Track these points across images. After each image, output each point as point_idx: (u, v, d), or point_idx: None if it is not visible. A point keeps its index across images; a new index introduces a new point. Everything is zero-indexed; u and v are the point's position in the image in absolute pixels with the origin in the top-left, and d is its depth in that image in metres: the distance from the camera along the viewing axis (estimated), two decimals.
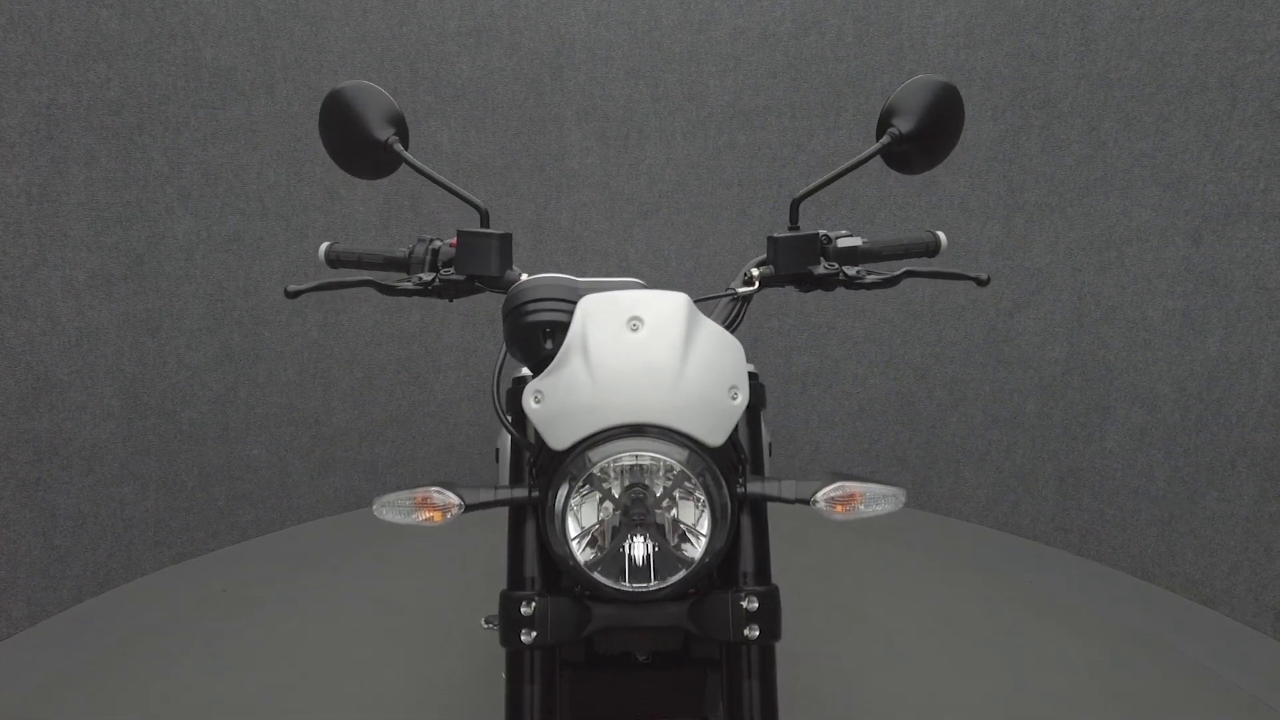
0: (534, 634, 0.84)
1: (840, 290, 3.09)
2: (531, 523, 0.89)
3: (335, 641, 2.21)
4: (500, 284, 0.99)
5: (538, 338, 0.83)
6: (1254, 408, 2.26)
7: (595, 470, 0.78)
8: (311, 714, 1.91)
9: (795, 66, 3.00)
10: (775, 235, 1.03)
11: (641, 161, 3.17)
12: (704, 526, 0.80)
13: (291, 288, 0.99)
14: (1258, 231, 2.22)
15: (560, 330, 0.83)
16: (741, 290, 1.05)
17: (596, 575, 0.80)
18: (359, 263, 1.09)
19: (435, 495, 0.84)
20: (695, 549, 0.80)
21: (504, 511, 2.82)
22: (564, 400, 0.80)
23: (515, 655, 0.86)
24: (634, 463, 0.78)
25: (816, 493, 0.84)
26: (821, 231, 1.07)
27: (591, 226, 3.25)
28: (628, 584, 0.80)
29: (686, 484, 0.79)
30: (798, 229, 1.04)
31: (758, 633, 0.84)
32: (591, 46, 3.07)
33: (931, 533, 2.91)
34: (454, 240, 1.03)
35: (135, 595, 2.48)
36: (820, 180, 1.02)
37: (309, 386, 2.94)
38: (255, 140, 2.71)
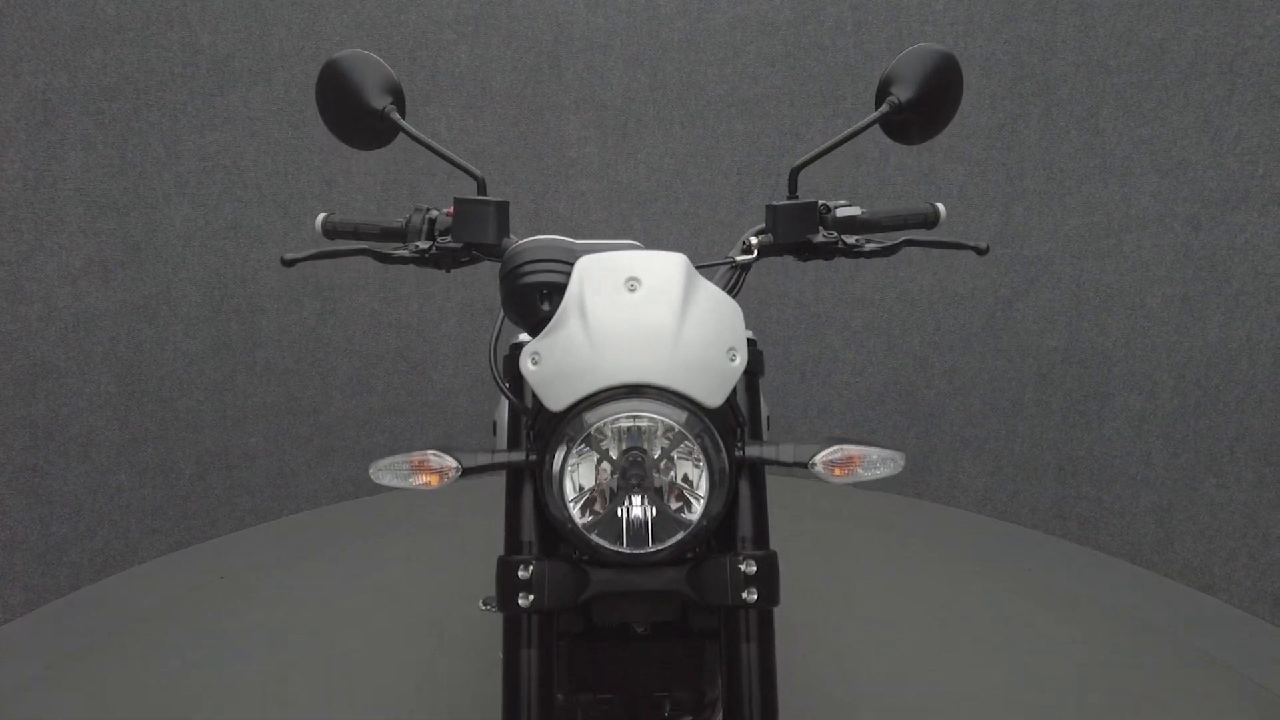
0: (531, 598, 0.83)
1: (839, 279, 3.09)
2: (529, 487, 0.88)
3: (334, 627, 2.21)
4: (498, 252, 0.98)
5: (534, 299, 0.83)
6: (1253, 394, 2.26)
7: (593, 431, 0.77)
8: (310, 699, 1.91)
9: (794, 55, 3.00)
10: (774, 203, 1.03)
11: (640, 150, 3.16)
12: (702, 489, 0.79)
13: (288, 256, 0.99)
14: (1256, 217, 2.22)
15: (557, 292, 0.83)
16: (740, 258, 1.05)
17: (594, 537, 0.79)
18: (355, 233, 1.09)
19: (432, 458, 0.83)
20: (693, 512, 0.80)
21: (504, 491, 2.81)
22: (561, 361, 0.80)
23: (512, 620, 0.85)
24: (632, 424, 0.78)
25: (815, 456, 0.83)
26: (820, 201, 1.07)
27: (590, 215, 3.24)
28: (625, 547, 0.80)
29: (685, 445, 0.79)
30: (797, 198, 1.04)
31: (756, 597, 0.84)
32: (590, 35, 3.06)
33: (930, 522, 2.91)
34: (451, 210, 1.03)
35: (133, 582, 2.47)
36: (819, 149, 1.01)
37: (307, 375, 2.93)
38: (253, 128, 2.70)
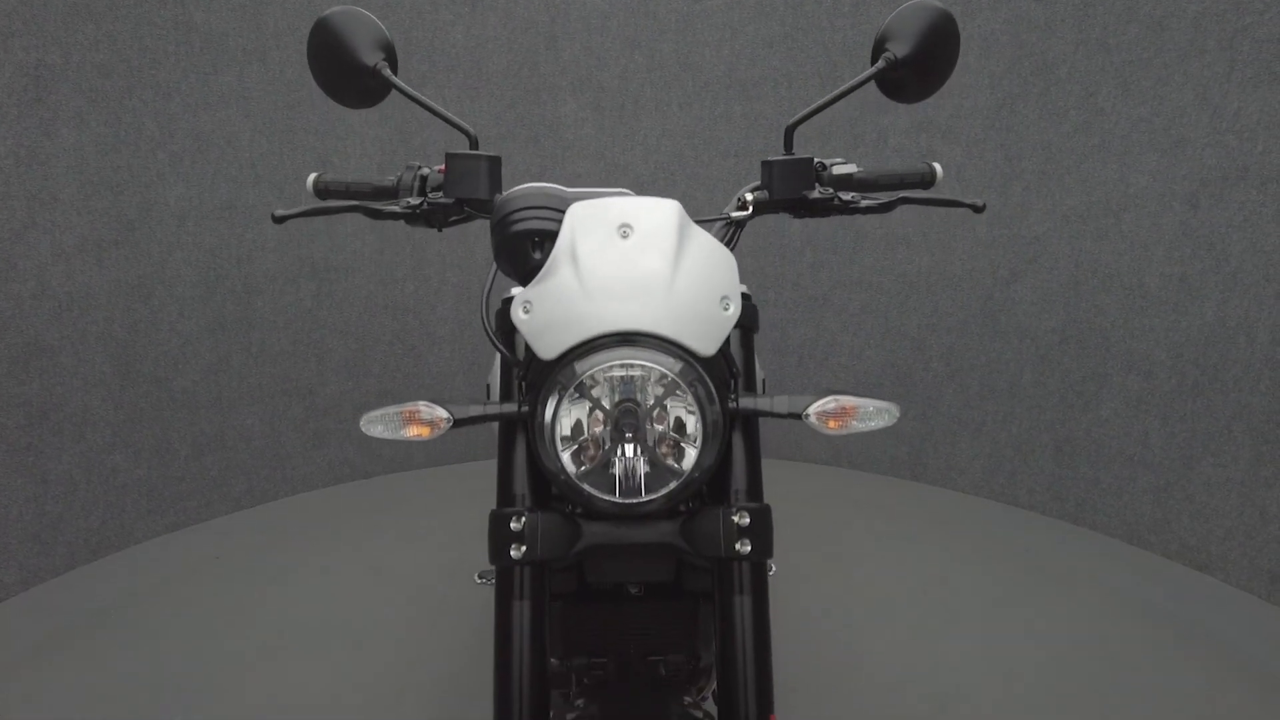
0: (524, 549, 0.83)
1: (837, 262, 3.08)
2: (521, 440, 0.87)
3: (329, 604, 2.21)
4: (490, 209, 0.97)
5: (526, 248, 0.82)
6: (1250, 372, 2.25)
7: (585, 379, 0.77)
8: (306, 673, 1.90)
9: (792, 36, 2.98)
10: (769, 159, 1.01)
11: (637, 132, 3.15)
12: (695, 439, 0.78)
13: (279, 212, 0.98)
14: (1255, 194, 2.21)
15: (549, 240, 0.82)
16: (735, 215, 1.03)
17: (586, 486, 0.79)
18: (347, 192, 1.08)
19: (423, 409, 0.82)
20: (686, 463, 0.79)
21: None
22: (553, 310, 0.79)
23: (504, 573, 0.84)
24: (624, 373, 0.77)
25: (809, 407, 0.82)
26: (816, 158, 1.06)
27: None
28: (618, 497, 0.79)
29: (677, 394, 0.78)
30: (793, 154, 1.03)
31: (749, 548, 0.83)
32: (586, 16, 3.05)
33: (927, 504, 2.91)
34: (443, 167, 1.02)
35: (128, 562, 2.47)
36: (814, 105, 1.00)
37: (302, 357, 2.92)
38: (247, 107, 2.68)
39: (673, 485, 0.79)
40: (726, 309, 0.81)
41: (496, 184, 0.98)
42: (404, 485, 3.07)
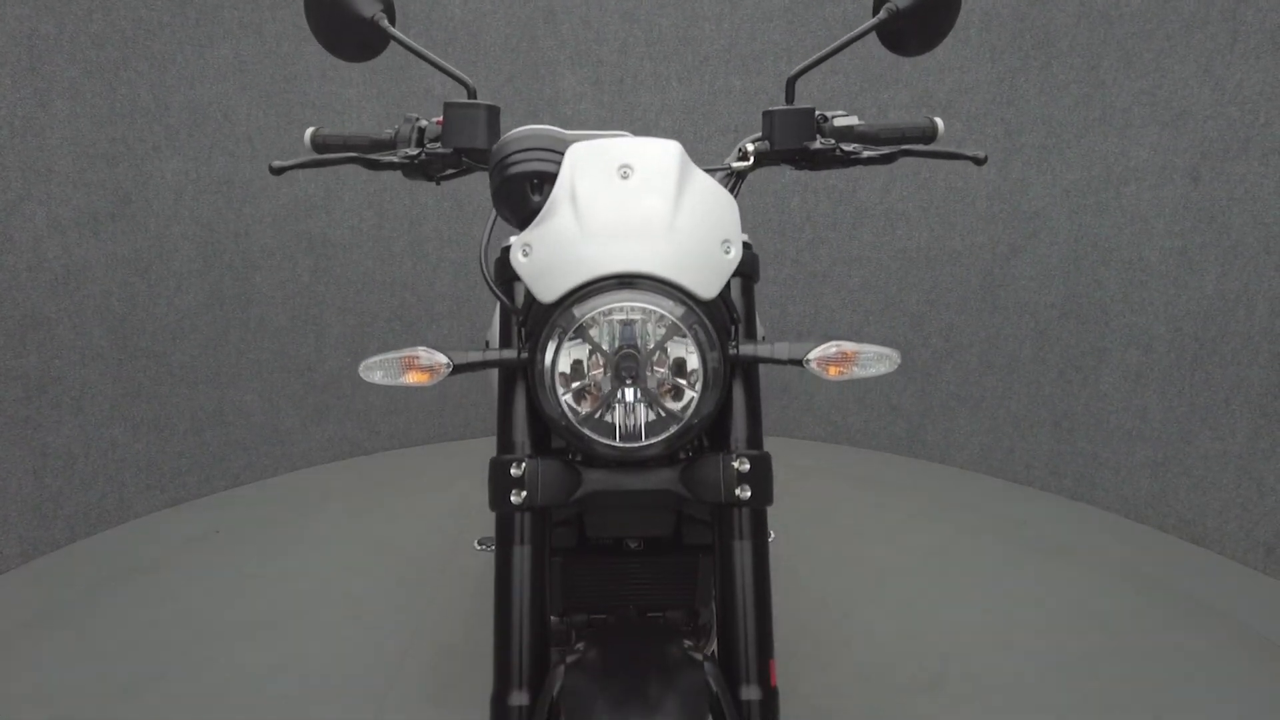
0: (523, 494, 0.83)
1: (836, 238, 3.07)
2: (521, 387, 0.87)
3: (330, 574, 2.21)
4: (488, 160, 0.97)
5: (525, 190, 0.81)
6: (1249, 345, 2.25)
7: (584, 322, 0.76)
8: (307, 641, 1.91)
9: (792, 10, 2.96)
10: (770, 109, 1.01)
11: (636, 107, 3.13)
12: (695, 384, 0.78)
13: (276, 164, 0.97)
14: (1257, 166, 2.20)
15: (548, 182, 0.81)
16: (736, 165, 1.03)
17: (586, 431, 0.79)
18: (345, 145, 1.07)
19: (422, 355, 0.82)
20: (685, 407, 0.79)
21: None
22: (552, 251, 0.78)
23: (504, 519, 0.84)
24: (624, 317, 0.77)
25: (809, 353, 0.82)
26: (818, 111, 1.05)
27: None
28: (618, 442, 0.79)
29: (678, 338, 0.77)
30: (794, 105, 1.02)
31: (749, 494, 0.83)
32: None
33: (925, 480, 2.92)
34: (440, 119, 1.01)
35: (129, 535, 2.47)
36: (815, 56, 0.99)
37: (301, 333, 2.92)
38: (243, 81, 2.66)
39: (673, 430, 0.79)
40: (728, 252, 0.80)
41: (495, 134, 0.98)
42: (404, 461, 3.08)
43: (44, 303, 2.29)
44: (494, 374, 1.09)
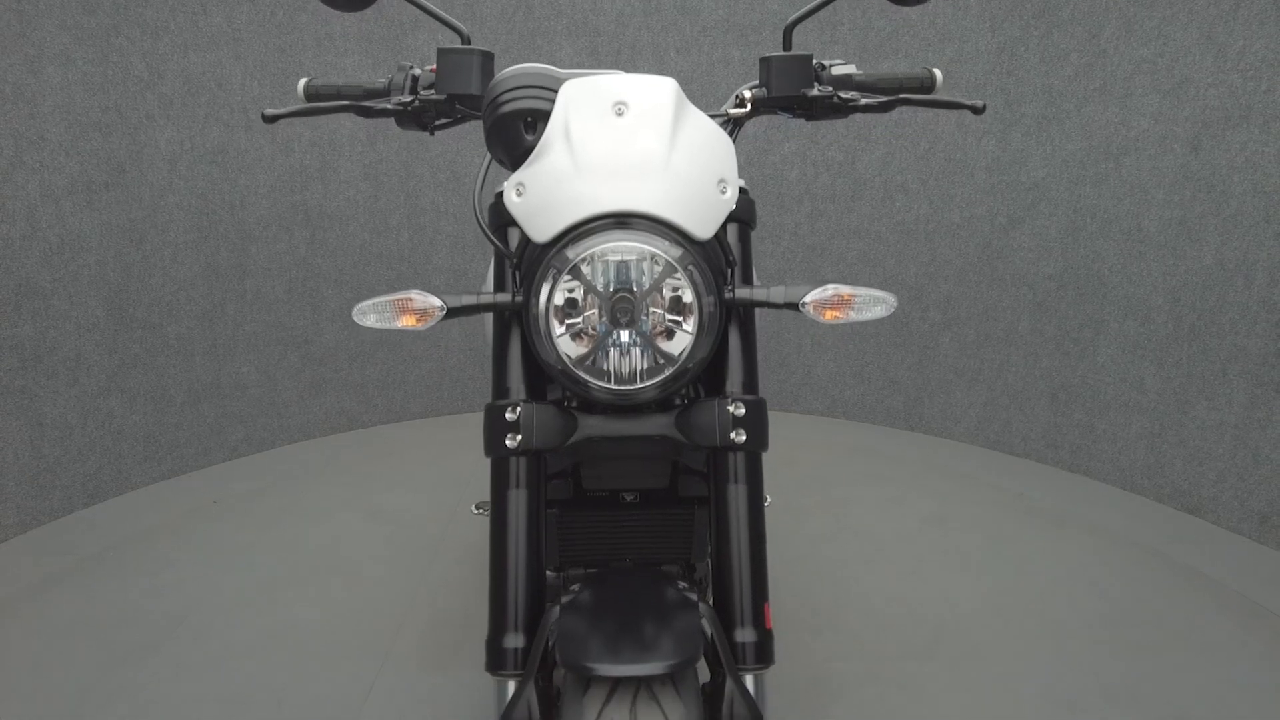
0: (519, 438, 0.82)
1: (835, 211, 3.06)
2: (516, 333, 0.87)
3: (328, 544, 2.22)
4: (481, 106, 0.96)
5: (518, 129, 0.80)
6: (1247, 314, 2.25)
7: (579, 263, 0.75)
8: (305, 609, 1.92)
9: None
10: (768, 55, 1.00)
11: None
12: (690, 326, 0.78)
13: (269, 112, 0.96)
14: (1258, 134, 2.19)
15: (542, 120, 0.80)
16: (733, 111, 1.02)
17: (581, 373, 0.78)
18: (338, 95, 1.06)
19: (416, 298, 0.82)
20: (681, 349, 0.78)
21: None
22: (546, 190, 0.77)
23: (500, 464, 0.84)
24: (619, 258, 0.76)
25: (805, 296, 0.82)
26: (816, 59, 1.04)
27: None
28: (613, 385, 0.78)
29: (673, 279, 0.77)
30: (791, 52, 1.01)
31: (744, 438, 0.83)
32: None
33: (922, 452, 2.92)
34: (434, 67, 1.00)
35: (127, 506, 2.47)
36: (814, 3, 0.98)
37: (297, 305, 2.91)
38: (238, 50, 2.64)
39: (668, 373, 0.79)
40: (724, 192, 0.80)
41: (489, 80, 0.97)
42: (401, 435, 3.08)
43: (38, 272, 2.28)
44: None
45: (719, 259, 0.85)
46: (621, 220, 0.76)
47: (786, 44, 1.02)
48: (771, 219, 3.17)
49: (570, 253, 0.76)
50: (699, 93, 3.08)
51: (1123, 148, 2.47)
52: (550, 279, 0.77)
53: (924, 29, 2.81)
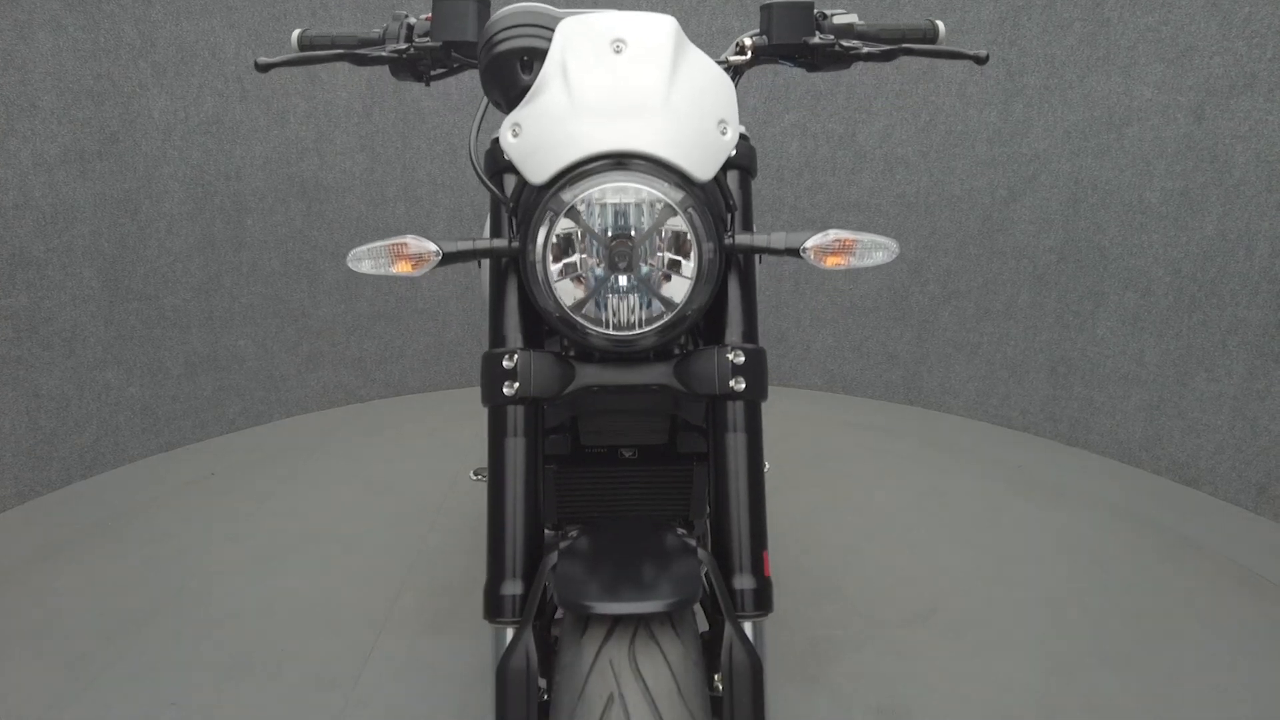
0: (516, 385, 0.82)
1: (835, 183, 3.03)
2: (513, 280, 0.86)
3: (327, 515, 2.22)
4: (477, 54, 0.94)
5: (514, 69, 0.79)
6: (1248, 285, 2.24)
7: (577, 205, 0.74)
8: (305, 577, 1.92)
9: None
10: (769, 2, 0.98)
11: None
12: (690, 270, 0.76)
13: (262, 60, 0.95)
14: (1262, 103, 2.17)
15: (538, 59, 0.79)
16: (733, 59, 1.00)
17: (579, 319, 0.77)
18: (332, 44, 1.04)
19: (411, 243, 0.80)
20: (680, 294, 0.77)
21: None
22: (542, 130, 0.76)
23: (497, 412, 0.84)
24: (618, 200, 0.75)
25: (806, 242, 0.81)
26: (818, 8, 1.02)
27: None
28: (612, 330, 0.78)
29: (673, 222, 0.75)
30: None
31: (744, 386, 0.82)
32: None
33: (920, 426, 2.92)
34: (429, 15, 0.98)
35: (124, 478, 2.47)
36: None
37: (294, 278, 2.89)
38: (232, 18, 2.60)
39: (666, 318, 0.78)
40: (724, 133, 0.78)
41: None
42: (399, 409, 3.07)
43: (32, 241, 2.26)
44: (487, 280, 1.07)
45: (719, 204, 0.84)
46: (620, 161, 0.75)
47: None
48: (771, 192, 3.15)
49: (567, 194, 0.74)
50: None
51: (1125, 118, 2.45)
52: (547, 222, 0.75)
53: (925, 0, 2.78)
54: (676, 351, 0.87)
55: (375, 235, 3.02)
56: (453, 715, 1.46)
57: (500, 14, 0.82)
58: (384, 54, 0.96)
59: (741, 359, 0.83)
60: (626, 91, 0.75)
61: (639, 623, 0.69)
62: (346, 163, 2.92)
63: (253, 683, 1.55)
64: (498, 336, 0.85)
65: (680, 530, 0.81)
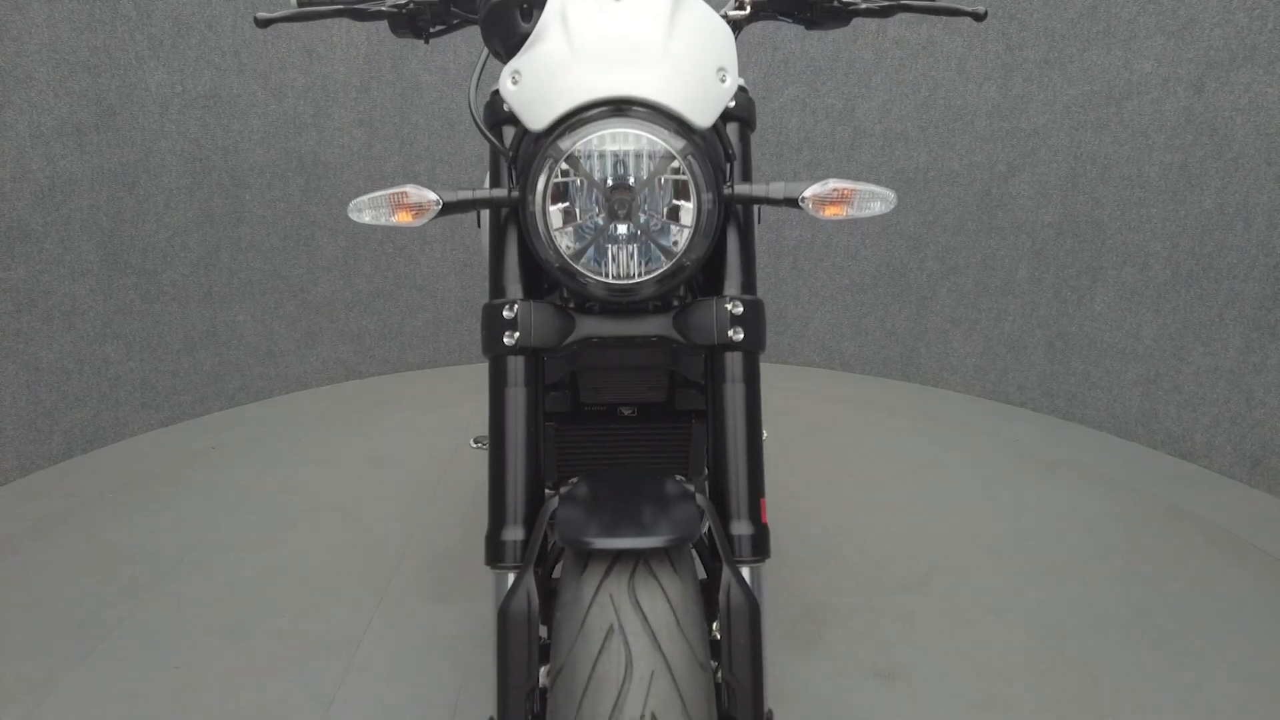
0: (516, 335, 0.82)
1: (834, 159, 3.03)
2: (513, 232, 0.86)
3: (327, 487, 2.23)
4: (477, 8, 0.94)
5: (514, 16, 0.79)
6: (1245, 258, 2.25)
7: (576, 151, 0.74)
8: (306, 546, 1.93)
9: None
10: None
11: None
12: (689, 217, 0.77)
13: (261, 15, 0.94)
14: (1262, 75, 2.16)
15: (538, 7, 0.79)
16: (732, 14, 1.01)
17: (579, 268, 0.78)
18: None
19: (411, 192, 0.81)
20: (679, 242, 0.78)
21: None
22: (542, 77, 0.76)
23: (498, 361, 0.84)
24: (617, 147, 0.75)
25: (805, 191, 0.81)
26: None
27: None
28: (612, 278, 0.78)
29: (672, 169, 0.76)
30: None
31: (742, 336, 0.83)
32: None
33: (918, 401, 2.93)
34: None
35: (125, 452, 2.48)
36: None
37: (292, 253, 2.89)
38: None
39: (665, 267, 0.78)
40: (723, 80, 0.78)
41: None
42: (399, 385, 3.08)
43: (30, 214, 2.25)
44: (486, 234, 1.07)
45: (718, 153, 0.84)
46: (619, 108, 0.75)
47: None
48: (770, 167, 3.14)
49: (566, 142, 0.75)
50: None
51: (1125, 92, 2.45)
52: (546, 169, 0.76)
53: None
54: (675, 303, 0.88)
55: None
56: (453, 679, 1.48)
57: None
58: (383, 9, 0.96)
59: (740, 309, 0.83)
60: (626, 38, 0.75)
61: (638, 559, 0.70)
62: (345, 138, 2.91)
63: (255, 646, 1.57)
64: (498, 288, 0.86)
65: (679, 477, 0.82)
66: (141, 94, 2.46)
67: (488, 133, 0.85)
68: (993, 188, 2.80)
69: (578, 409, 1.08)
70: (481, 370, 3.25)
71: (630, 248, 0.78)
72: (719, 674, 0.75)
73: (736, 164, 0.88)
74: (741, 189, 0.82)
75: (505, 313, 0.83)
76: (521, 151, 0.85)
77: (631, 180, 0.76)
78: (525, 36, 0.79)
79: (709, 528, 0.80)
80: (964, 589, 1.78)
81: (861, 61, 2.92)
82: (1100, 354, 2.63)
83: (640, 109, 0.76)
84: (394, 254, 3.10)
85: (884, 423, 2.72)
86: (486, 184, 1.09)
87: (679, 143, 0.75)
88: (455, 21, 1.01)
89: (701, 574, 0.85)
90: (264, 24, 0.95)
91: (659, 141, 0.74)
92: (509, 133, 0.90)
